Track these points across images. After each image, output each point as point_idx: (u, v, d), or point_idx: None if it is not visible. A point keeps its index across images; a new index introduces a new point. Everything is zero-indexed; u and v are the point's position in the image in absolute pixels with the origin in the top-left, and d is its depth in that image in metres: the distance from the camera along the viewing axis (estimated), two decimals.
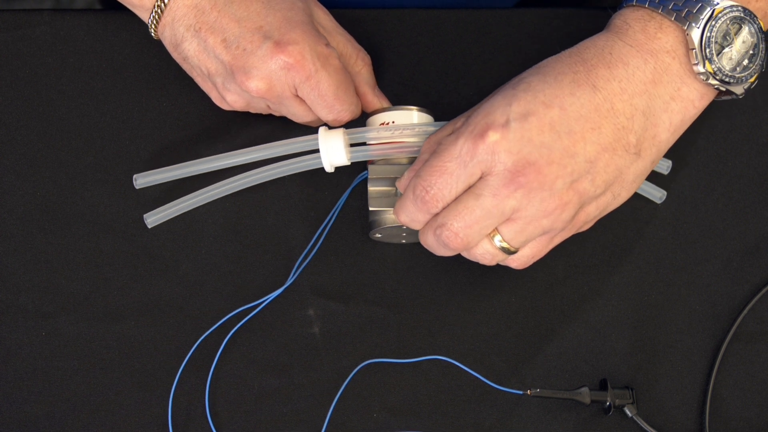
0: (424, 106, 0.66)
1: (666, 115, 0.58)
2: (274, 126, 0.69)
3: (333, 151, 0.64)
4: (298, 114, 0.65)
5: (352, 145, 0.64)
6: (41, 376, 0.66)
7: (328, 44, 0.62)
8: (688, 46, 0.57)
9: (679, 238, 0.69)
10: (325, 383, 0.66)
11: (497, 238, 0.58)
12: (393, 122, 0.65)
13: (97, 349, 0.66)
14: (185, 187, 0.69)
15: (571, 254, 0.69)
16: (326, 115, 0.64)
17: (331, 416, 0.65)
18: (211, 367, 0.66)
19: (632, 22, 0.58)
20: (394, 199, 0.64)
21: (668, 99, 0.58)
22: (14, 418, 0.65)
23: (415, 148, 0.63)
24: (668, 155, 0.69)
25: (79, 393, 0.66)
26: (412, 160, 0.65)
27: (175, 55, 0.65)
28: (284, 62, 0.60)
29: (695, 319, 0.68)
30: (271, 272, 0.68)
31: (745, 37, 0.58)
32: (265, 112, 0.67)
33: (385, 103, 0.67)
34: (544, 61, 0.60)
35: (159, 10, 0.62)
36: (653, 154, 0.59)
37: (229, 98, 0.64)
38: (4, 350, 0.66)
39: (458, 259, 0.69)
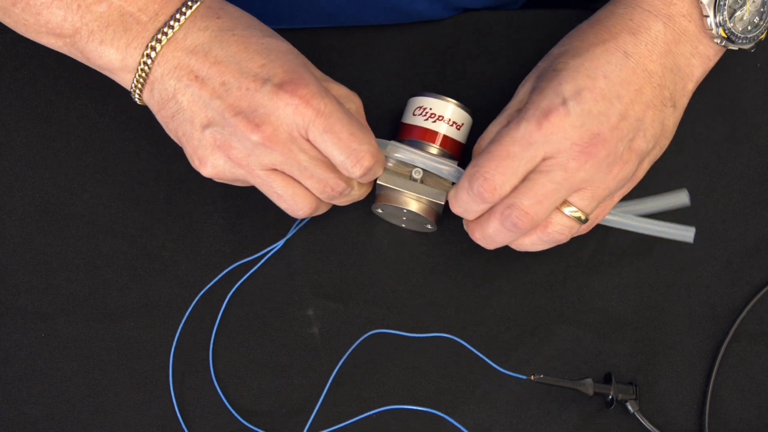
0: None
1: (689, 69, 0.61)
2: None
3: None
4: (305, 163, 0.59)
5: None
6: (40, 377, 0.66)
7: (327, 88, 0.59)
8: (702, 12, 0.60)
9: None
10: (325, 384, 0.66)
11: (569, 210, 0.60)
12: (430, 108, 0.66)
13: (97, 350, 0.66)
14: (185, 188, 0.69)
15: (570, 255, 0.69)
16: (345, 160, 0.58)
17: (323, 401, 0.65)
18: (209, 367, 0.66)
19: None
20: (406, 180, 0.64)
21: (689, 56, 0.61)
22: (13, 419, 0.65)
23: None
24: (669, 159, 0.69)
25: (79, 394, 0.66)
26: (440, 153, 0.66)
27: (162, 114, 0.60)
28: (290, 100, 0.56)
29: (695, 320, 0.68)
30: (271, 272, 0.68)
31: None
32: (255, 180, 0.60)
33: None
34: (569, 37, 0.62)
35: (146, 67, 0.58)
36: (685, 104, 0.63)
37: (228, 152, 0.58)
38: (4, 351, 0.66)
39: (457, 260, 0.69)
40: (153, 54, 0.57)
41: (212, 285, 0.67)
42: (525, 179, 0.58)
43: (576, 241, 0.69)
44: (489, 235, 0.61)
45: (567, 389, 0.64)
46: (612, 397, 0.64)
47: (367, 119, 0.68)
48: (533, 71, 0.63)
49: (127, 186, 0.69)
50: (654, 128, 0.60)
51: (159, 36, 0.57)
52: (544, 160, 0.58)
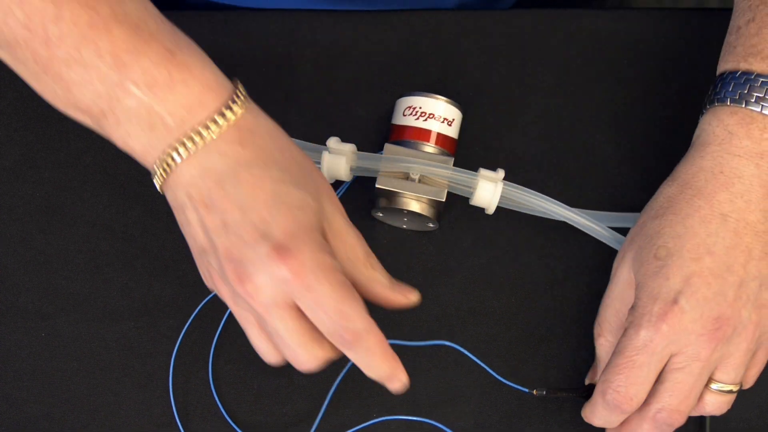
0: None
1: None
2: None
3: (335, 169, 0.65)
4: (280, 332, 0.55)
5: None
6: (41, 377, 0.66)
7: (331, 255, 0.55)
8: None
9: None
10: (325, 383, 0.66)
11: (716, 386, 0.59)
12: (420, 107, 0.66)
13: (97, 349, 0.66)
14: None
15: (570, 255, 0.69)
16: (332, 332, 0.55)
17: (326, 409, 0.65)
18: (209, 363, 0.66)
19: (734, 128, 0.58)
20: (404, 182, 0.64)
21: None
22: (14, 418, 0.65)
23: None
24: (671, 154, 0.69)
25: (79, 394, 0.66)
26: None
27: (175, 213, 0.58)
28: (281, 271, 0.52)
29: None
30: None
31: None
32: (236, 315, 0.58)
33: (411, 295, 0.60)
34: (658, 204, 0.60)
35: (163, 172, 0.54)
36: None
37: (217, 284, 0.56)
38: (4, 351, 0.66)
39: (457, 260, 0.69)
40: (171, 162, 0.54)
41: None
42: (662, 379, 0.57)
43: (576, 243, 0.69)
44: None
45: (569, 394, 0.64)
46: None
47: (364, 117, 0.68)
48: (626, 250, 0.61)
49: (127, 186, 0.69)
50: None
51: (179, 146, 0.54)
52: (673, 356, 0.57)
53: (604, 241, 0.66)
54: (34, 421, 0.65)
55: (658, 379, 0.58)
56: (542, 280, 0.68)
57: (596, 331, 0.63)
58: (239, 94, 0.55)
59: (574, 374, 0.67)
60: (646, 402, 0.58)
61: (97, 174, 0.69)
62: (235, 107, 0.54)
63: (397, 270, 0.68)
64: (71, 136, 0.70)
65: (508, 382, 0.64)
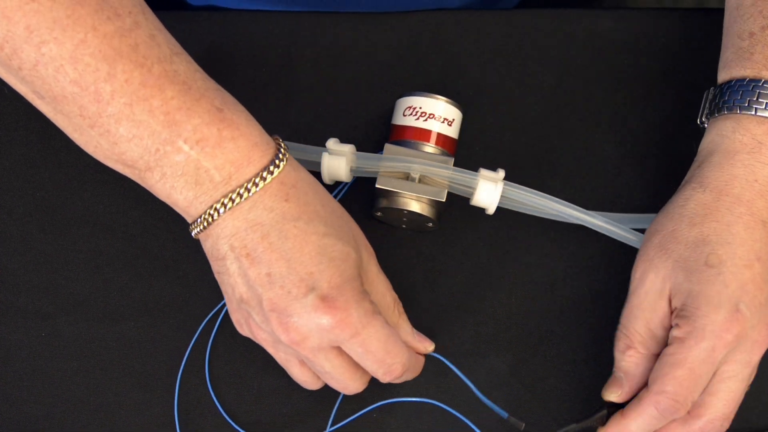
0: None
1: None
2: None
3: (334, 170, 0.65)
4: (327, 369, 0.59)
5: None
6: (41, 377, 0.66)
7: (371, 300, 0.57)
8: None
9: None
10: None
11: None
12: (420, 107, 0.66)
13: (97, 349, 0.66)
14: None
15: (571, 255, 0.69)
16: (376, 370, 0.58)
17: (334, 418, 0.65)
18: (205, 364, 0.66)
19: (763, 138, 0.59)
20: (404, 182, 0.64)
21: None
22: (14, 418, 0.65)
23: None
24: (671, 154, 0.69)
25: (79, 394, 0.66)
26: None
27: (210, 262, 0.59)
28: (329, 320, 0.55)
29: None
30: None
31: None
32: (275, 356, 0.61)
33: (429, 346, 0.64)
34: (691, 212, 0.60)
35: (206, 224, 0.56)
36: None
37: (255, 331, 0.58)
38: (4, 351, 0.66)
39: (457, 260, 0.69)
40: (216, 216, 0.55)
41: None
42: (713, 390, 0.58)
43: (576, 242, 0.69)
44: None
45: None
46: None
47: (364, 117, 0.68)
48: (655, 258, 0.61)
49: (128, 185, 0.69)
50: None
51: (225, 201, 0.55)
52: (723, 364, 0.57)
53: (610, 235, 0.66)
54: (34, 421, 0.65)
55: (708, 390, 0.58)
56: (542, 280, 0.68)
57: (623, 343, 0.61)
58: (282, 149, 0.56)
59: (574, 374, 0.67)
60: (696, 413, 0.58)
61: (97, 174, 0.69)
62: (279, 163, 0.56)
63: (397, 270, 0.68)
64: None
65: (497, 410, 0.63)
